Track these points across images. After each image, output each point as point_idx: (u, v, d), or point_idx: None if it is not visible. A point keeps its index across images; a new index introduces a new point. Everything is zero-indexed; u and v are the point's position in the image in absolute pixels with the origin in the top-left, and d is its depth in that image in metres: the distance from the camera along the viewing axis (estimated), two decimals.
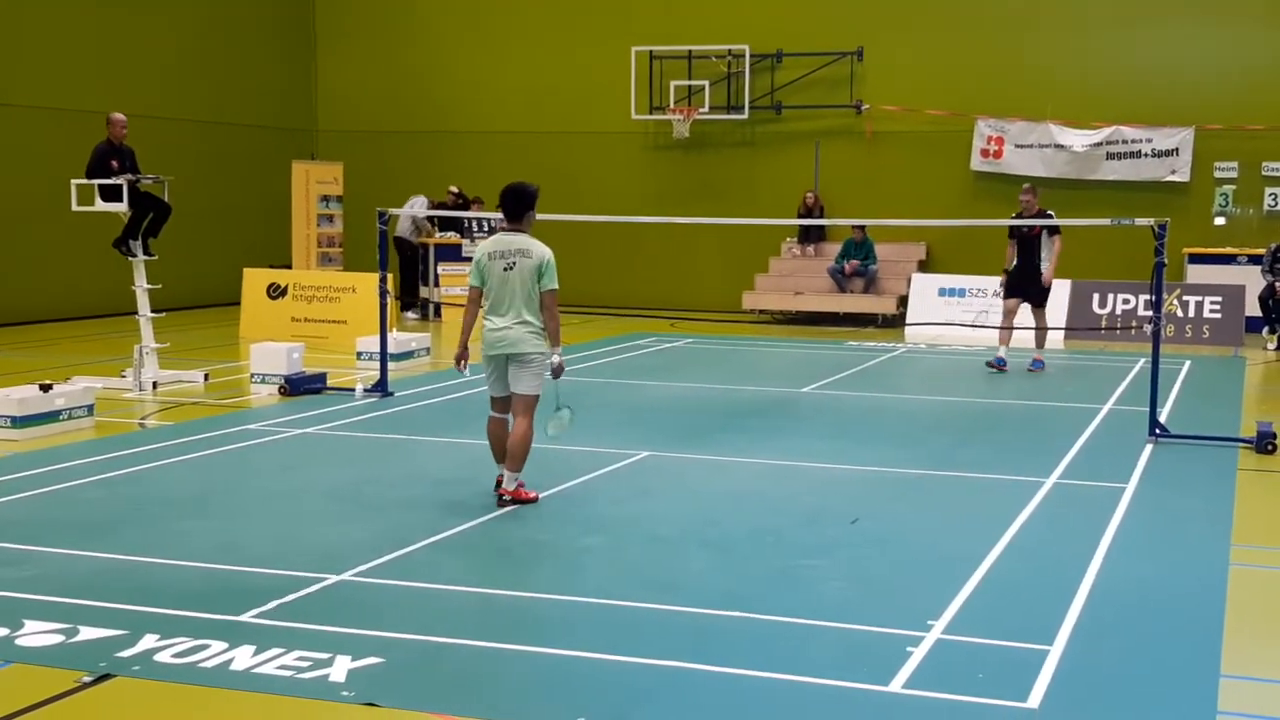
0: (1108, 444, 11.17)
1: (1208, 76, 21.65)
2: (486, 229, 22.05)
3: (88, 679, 5.58)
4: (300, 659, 5.78)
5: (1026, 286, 15.63)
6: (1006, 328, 15.72)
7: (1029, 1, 22.66)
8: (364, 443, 11.07)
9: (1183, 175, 21.65)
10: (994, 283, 20.68)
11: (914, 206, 21.54)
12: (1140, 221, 11.59)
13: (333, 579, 6.99)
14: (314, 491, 9.19)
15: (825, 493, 9.30)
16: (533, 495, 8.79)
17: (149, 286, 14.09)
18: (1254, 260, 20.10)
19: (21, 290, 20.17)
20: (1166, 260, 11.26)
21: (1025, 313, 16.12)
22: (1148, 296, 19.18)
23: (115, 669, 5.68)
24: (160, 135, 20.91)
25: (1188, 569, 7.42)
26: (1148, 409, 11.35)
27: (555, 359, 8.63)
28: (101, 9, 21.65)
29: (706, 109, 23.56)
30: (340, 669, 5.67)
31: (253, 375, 13.74)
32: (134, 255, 13.96)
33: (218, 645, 5.94)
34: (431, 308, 21.87)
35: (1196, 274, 20.84)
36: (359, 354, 15.79)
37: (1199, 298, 19.76)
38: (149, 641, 5.98)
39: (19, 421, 10.95)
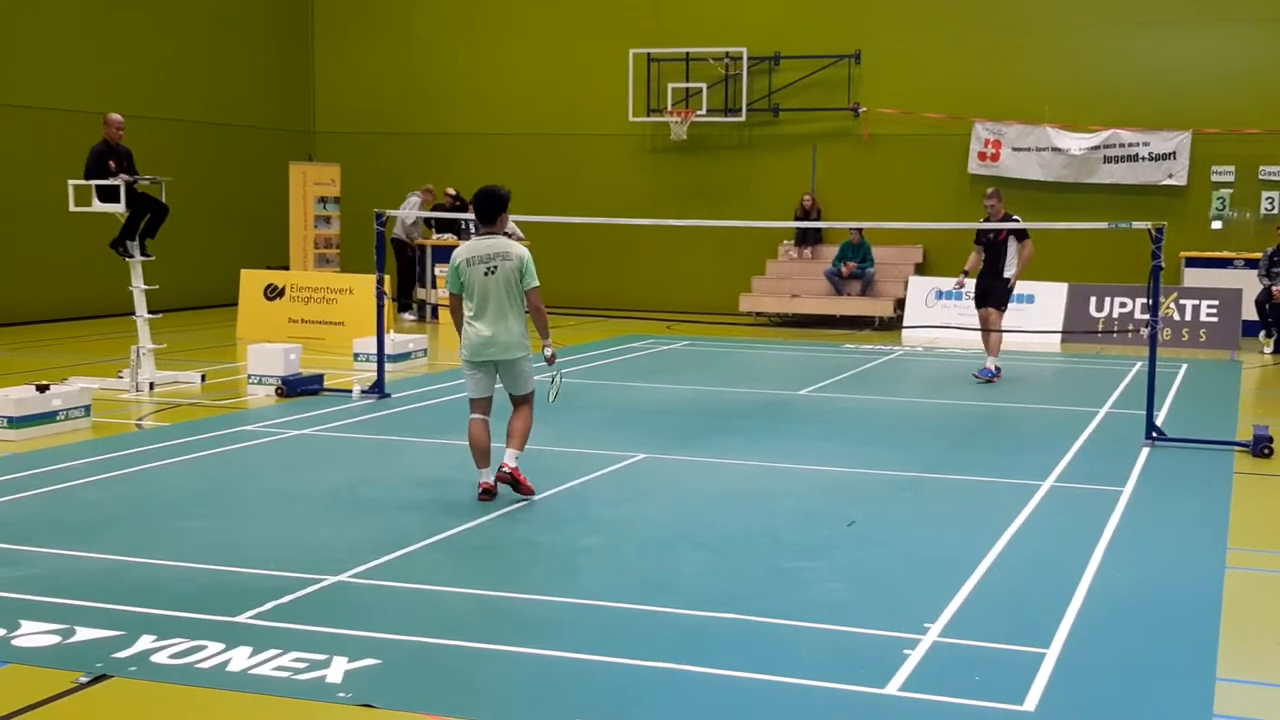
0: (1104, 447, 11.17)
1: (1205, 80, 21.67)
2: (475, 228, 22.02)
3: (84, 680, 5.58)
4: (297, 660, 5.78)
5: (989, 289, 15.17)
6: (992, 331, 15.39)
7: (1027, 5, 22.69)
8: (361, 444, 11.07)
9: (1180, 179, 21.67)
10: None
11: (911, 209, 21.54)
12: (1137, 225, 11.60)
13: (330, 580, 6.99)
14: (311, 493, 9.19)
15: (821, 495, 9.31)
16: (530, 486, 8.89)
17: (146, 287, 14.09)
18: (1251, 264, 20.12)
19: (19, 290, 20.16)
20: (1163, 264, 11.27)
21: (1012, 318, 16.13)
22: (1145, 300, 19.16)
23: (112, 670, 5.68)
24: (157, 136, 20.92)
25: (1184, 572, 7.43)
26: (1144, 412, 11.36)
27: (548, 351, 8.92)
28: (99, 9, 21.65)
29: (704, 111, 23.57)
30: (337, 670, 5.67)
31: (250, 376, 13.75)
32: (131, 256, 13.95)
33: (214, 646, 5.94)
34: (429, 309, 21.86)
35: (1193, 277, 20.86)
36: (356, 355, 15.80)
37: (1196, 301, 19.78)
38: (146, 642, 5.98)
39: (16, 422, 10.95)
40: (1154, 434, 11.22)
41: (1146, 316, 11.77)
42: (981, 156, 22.64)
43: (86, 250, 18.04)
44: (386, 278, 13.74)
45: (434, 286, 21.67)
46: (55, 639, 6.04)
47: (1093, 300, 20.41)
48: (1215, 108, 21.50)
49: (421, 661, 5.85)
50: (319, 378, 13.71)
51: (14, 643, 5.99)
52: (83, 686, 5.52)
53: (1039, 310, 20.43)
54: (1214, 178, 21.66)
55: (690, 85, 23.64)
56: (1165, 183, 21.72)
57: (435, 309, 21.56)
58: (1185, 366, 16.78)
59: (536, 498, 8.93)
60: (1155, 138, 21.70)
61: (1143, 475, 10.00)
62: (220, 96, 24.18)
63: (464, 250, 8.83)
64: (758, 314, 22.69)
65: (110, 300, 19.18)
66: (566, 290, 22.55)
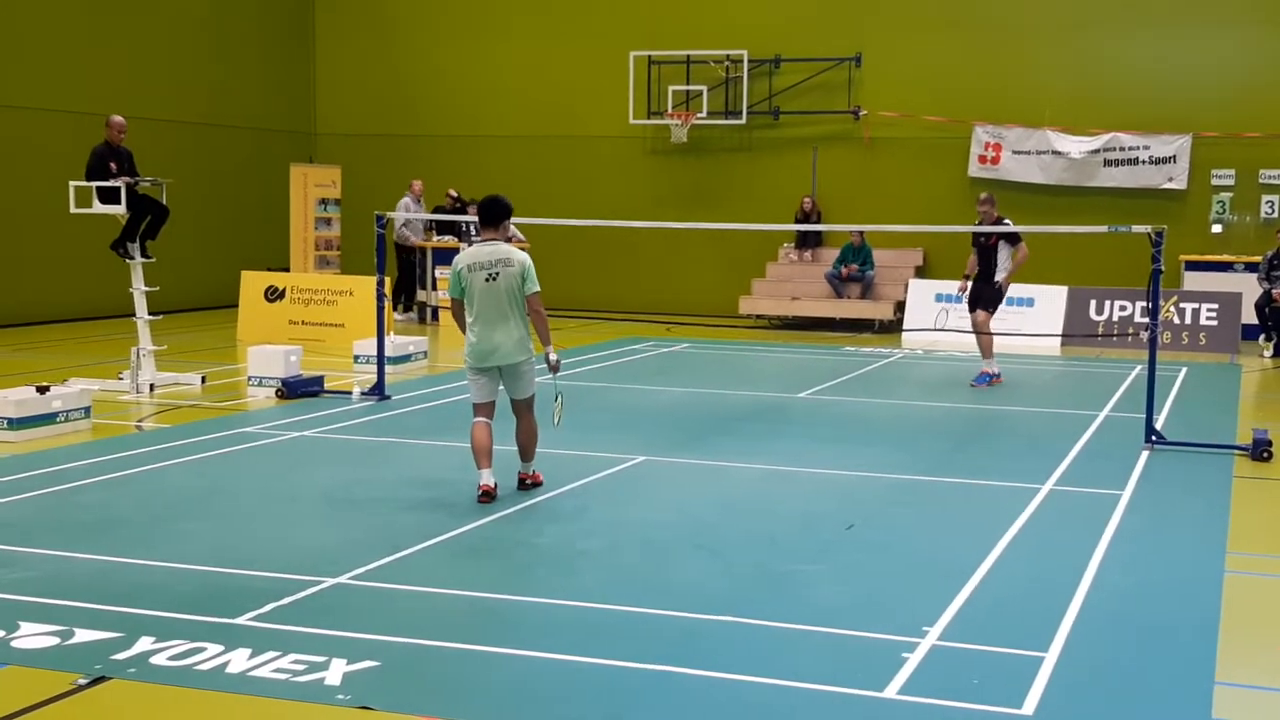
0: (1104, 450, 11.18)
1: (1205, 84, 21.68)
2: (476, 232, 22.01)
3: (83, 681, 5.58)
4: (296, 662, 5.79)
5: (980, 293, 15.05)
6: (985, 331, 15.23)
7: (1027, 8, 22.69)
8: (361, 446, 11.07)
9: (1180, 182, 21.68)
10: None
11: (911, 212, 21.57)
12: (1137, 228, 11.60)
13: (329, 582, 6.99)
14: (310, 494, 9.20)
15: (821, 498, 9.31)
16: (541, 478, 9.35)
17: (147, 289, 14.10)
18: (1250, 268, 20.12)
19: (19, 292, 20.17)
20: (1163, 267, 11.28)
21: (1012, 321, 16.09)
22: (1145, 303, 19.15)
23: (111, 671, 5.68)
24: (158, 138, 20.93)
25: (1183, 576, 7.43)
26: (1144, 416, 11.36)
27: (552, 356, 9.00)
28: (101, 11, 21.67)
29: (704, 114, 23.57)
30: (336, 672, 5.68)
31: (250, 378, 13.75)
32: (132, 257, 13.96)
33: (214, 648, 5.94)
34: (429, 311, 21.87)
35: (1193, 281, 20.86)
36: (356, 357, 15.81)
37: (1196, 305, 19.78)
38: (145, 644, 5.98)
39: (16, 423, 10.95)
40: (1153, 437, 11.22)
41: (1146, 320, 11.77)
42: (982, 160, 22.64)
43: (87, 252, 18.05)
44: (386, 279, 13.75)
45: (434, 288, 21.69)
46: (54, 640, 6.04)
47: (1093, 303, 20.41)
48: (1215, 111, 21.50)
49: (420, 663, 5.85)
50: (319, 379, 13.72)
51: (13, 644, 6.00)
52: (82, 688, 5.53)
53: (1039, 313, 20.42)
54: (1214, 181, 21.66)
55: (691, 88, 23.65)
56: (1165, 186, 21.72)
57: (435, 311, 21.57)
58: (1185, 370, 16.79)
59: (536, 499, 8.94)
60: (1155, 141, 21.71)
61: (1142, 479, 10.00)
62: (221, 98, 24.19)
63: (465, 256, 8.93)
64: (758, 316, 22.69)
65: (111, 302, 19.19)
66: (567, 292, 22.55)
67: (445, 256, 21.97)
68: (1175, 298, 19.86)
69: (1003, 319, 20.05)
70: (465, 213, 22.15)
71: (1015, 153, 22.45)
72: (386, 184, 23.77)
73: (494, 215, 9.03)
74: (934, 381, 15.43)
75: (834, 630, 6.34)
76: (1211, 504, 9.21)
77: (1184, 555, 7.88)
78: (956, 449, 11.32)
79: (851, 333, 21.42)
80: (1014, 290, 20.37)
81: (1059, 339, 19.76)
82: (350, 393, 13.36)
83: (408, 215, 21.55)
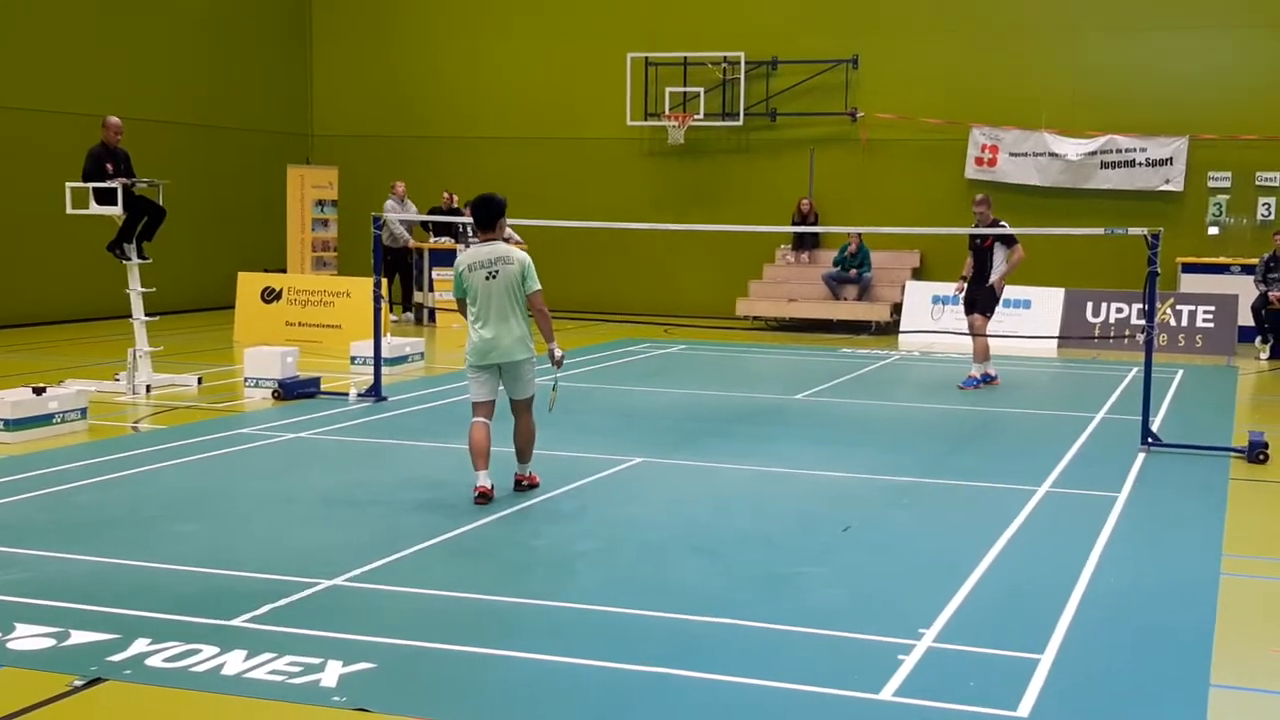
0: (1100, 453, 11.18)
1: (1202, 86, 21.71)
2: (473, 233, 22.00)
3: (79, 683, 5.58)
4: (292, 664, 5.78)
5: (975, 296, 15.00)
6: (980, 334, 15.06)
7: (1024, 10, 22.71)
8: (357, 447, 11.07)
9: (1176, 185, 21.70)
10: None
11: (908, 214, 21.60)
12: (1134, 231, 11.61)
13: (325, 584, 6.99)
14: (307, 496, 9.19)
15: (817, 500, 9.31)
16: (538, 479, 9.39)
17: (143, 290, 14.09)
18: (1247, 270, 20.13)
19: (15, 293, 20.16)
20: (1160, 269, 11.29)
21: (1008, 323, 16.07)
22: (1141, 305, 19.16)
23: (106, 673, 5.68)
24: (155, 139, 20.92)
25: (1179, 578, 7.44)
26: (1140, 418, 11.37)
27: (557, 352, 9.08)
28: (97, 12, 21.66)
29: (701, 116, 23.58)
30: (332, 674, 5.67)
31: (246, 379, 13.75)
32: (128, 259, 13.95)
33: (209, 650, 5.93)
34: (426, 313, 21.86)
35: (1190, 283, 20.86)
36: (353, 358, 15.79)
37: (1192, 307, 19.80)
38: (140, 645, 5.98)
39: (12, 424, 10.94)
40: (1150, 439, 11.23)
41: (1143, 322, 11.78)
42: (979, 162, 22.66)
43: (84, 253, 18.03)
44: (383, 280, 13.74)
45: (431, 290, 21.68)
46: (50, 642, 6.04)
47: (1089, 305, 20.42)
48: (1212, 114, 21.53)
49: (416, 665, 5.85)
50: (316, 381, 13.71)
51: (9, 645, 5.99)
52: (77, 690, 5.52)
53: (1036, 315, 20.42)
54: (1211, 183, 21.69)
55: (688, 89, 23.66)
56: (1162, 188, 21.74)
57: (432, 312, 21.56)
58: (1181, 372, 16.79)
59: (532, 501, 8.95)
60: (1152, 143, 21.73)
61: (1138, 481, 10.00)
62: (218, 99, 24.19)
63: (466, 257, 9.00)
64: (755, 318, 22.70)
65: (107, 303, 19.16)
66: (563, 294, 22.52)
67: (442, 258, 21.99)
68: (1172, 300, 19.88)
69: (1000, 320, 20.03)
70: (460, 214, 22.20)
71: (1012, 155, 22.47)
72: (384, 185, 23.71)
73: (488, 215, 9.09)
74: (931, 383, 15.43)
75: (830, 632, 6.34)
76: (1208, 506, 9.21)
77: (1180, 557, 7.89)
78: (953, 451, 11.33)
79: (848, 334, 21.42)
80: (1011, 292, 20.37)
81: (1056, 341, 19.77)
82: (347, 394, 13.36)
83: (395, 216, 21.53)
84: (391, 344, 15.61)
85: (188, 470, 9.96)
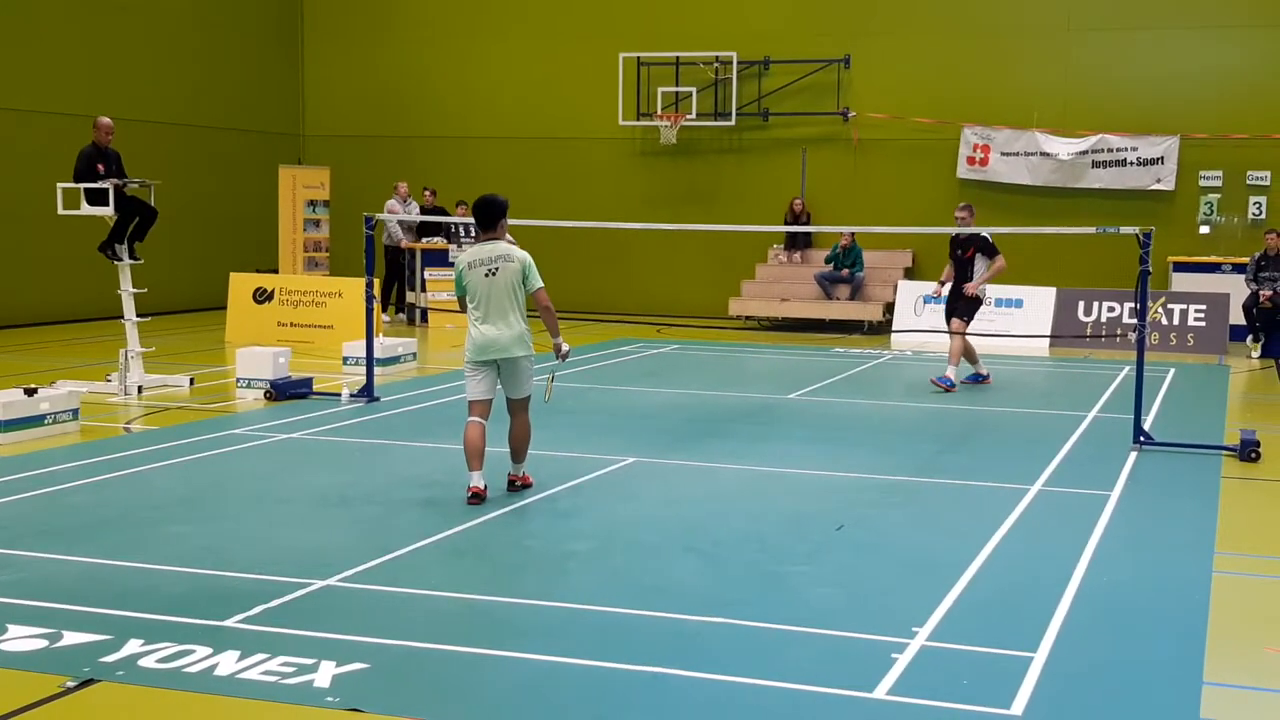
0: (1092, 451, 11.20)
1: (1193, 86, 21.75)
2: (474, 234, 22.01)
3: (71, 684, 5.56)
4: (285, 664, 5.77)
5: (956, 303, 14.90)
6: (959, 333, 14.79)
7: (1016, 10, 22.74)
8: (350, 448, 11.05)
9: (1168, 184, 21.73)
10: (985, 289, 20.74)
11: (900, 214, 21.62)
12: (1125, 230, 11.63)
13: (318, 584, 6.98)
14: (299, 496, 9.18)
15: (810, 499, 9.32)
16: (531, 480, 9.39)
17: (135, 291, 14.06)
18: (1238, 269, 20.18)
19: (6, 294, 20.12)
20: (1151, 268, 11.29)
21: (1000, 322, 16.05)
22: (1132, 304, 19.25)
23: (99, 674, 5.66)
24: (147, 139, 20.90)
25: (1171, 576, 7.45)
26: (1132, 416, 11.39)
27: (564, 346, 9.14)
28: (88, 12, 21.62)
29: (694, 115, 23.58)
30: (325, 674, 5.67)
31: (238, 380, 13.73)
32: (119, 259, 13.93)
33: (202, 650, 5.93)
34: (419, 313, 21.84)
35: (1181, 282, 20.91)
36: (345, 359, 15.78)
37: (1183, 306, 19.83)
38: (133, 646, 5.97)
39: (3, 425, 10.91)
40: (1141, 438, 11.25)
41: (1134, 321, 11.80)
42: (970, 161, 22.69)
43: (75, 253, 18.01)
44: (376, 281, 13.73)
45: (423, 290, 21.67)
46: (42, 643, 6.02)
47: (1081, 304, 20.45)
48: (1203, 113, 21.57)
49: (410, 666, 5.85)
50: (308, 381, 13.70)
51: (1, 647, 5.97)
52: (69, 691, 5.51)
53: (1027, 314, 20.47)
54: (1202, 183, 21.72)
55: (680, 89, 23.66)
56: (1153, 188, 21.77)
57: (425, 312, 21.54)
58: (1173, 371, 16.82)
59: (526, 501, 8.95)
60: (1143, 143, 21.76)
61: (1130, 479, 10.02)
62: (210, 100, 24.16)
63: (466, 255, 9.01)
64: (747, 318, 22.71)
65: (98, 304, 19.15)
66: (556, 294, 22.09)
67: (434, 258, 21.99)
68: (1163, 299, 19.91)
69: (992, 320, 20.16)
70: (442, 213, 22.24)
71: (1004, 154, 22.50)
72: (376, 186, 23.75)
73: (489, 216, 9.08)
74: (923, 383, 15.42)
75: (824, 631, 6.35)
76: (1199, 504, 9.23)
77: (1172, 556, 7.90)
78: (945, 450, 11.34)
79: (841, 334, 21.44)
80: (1003, 291, 20.49)
81: (1047, 340, 19.80)
82: (339, 394, 13.35)
83: (398, 217, 21.54)
84: (384, 344, 15.59)
85: (180, 471, 9.95)
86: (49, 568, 7.25)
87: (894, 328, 21.15)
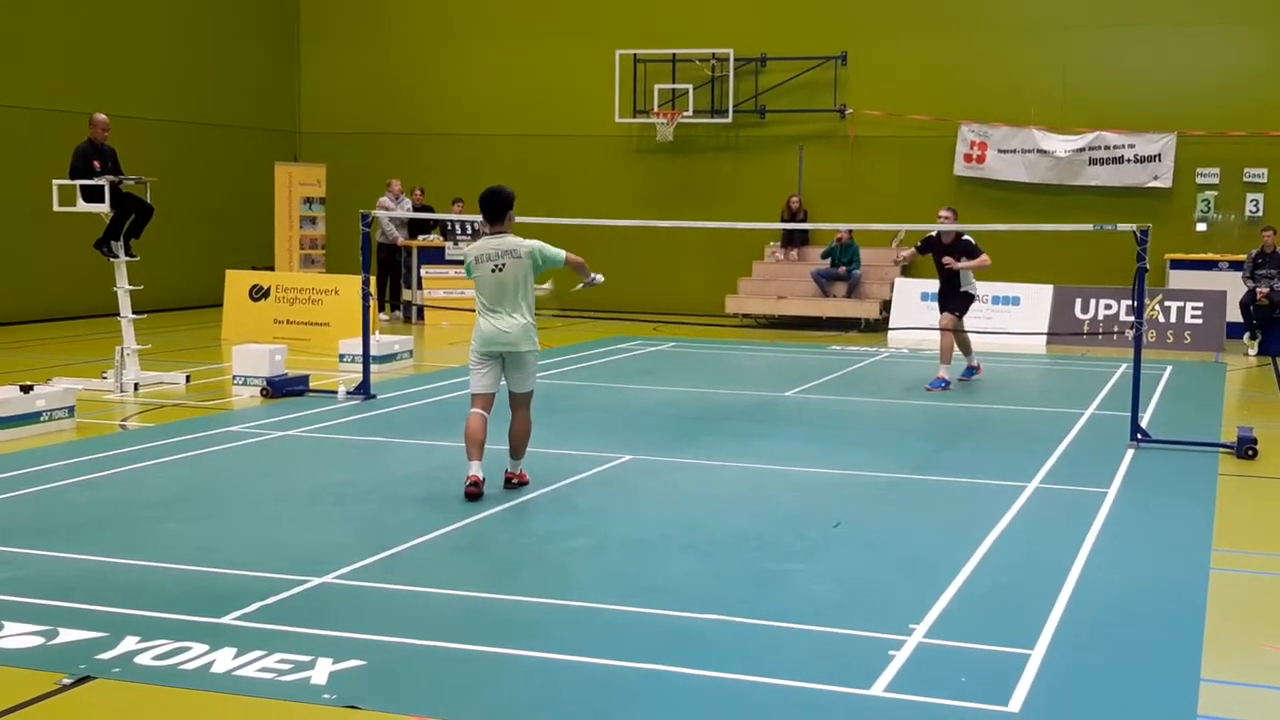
0: (1089, 449, 11.20)
1: (1190, 83, 21.76)
2: (470, 231, 22.03)
3: (68, 681, 5.55)
4: (282, 661, 5.76)
5: (948, 300, 14.82)
6: (948, 329, 14.68)
7: (1013, 7, 22.75)
8: (346, 445, 11.04)
9: (1165, 181, 21.74)
10: (979, 288, 20.69)
11: (897, 211, 21.56)
12: (1122, 227, 11.62)
13: (315, 581, 6.97)
14: (296, 494, 9.17)
15: (807, 496, 9.31)
16: (527, 477, 9.35)
17: (130, 288, 14.05)
18: (1235, 266, 20.19)
19: (2, 290, 20.09)
20: (1148, 266, 11.30)
21: (997, 320, 16.03)
22: (1130, 302, 19.25)
23: (95, 671, 5.65)
24: (142, 136, 20.87)
25: (1169, 573, 7.45)
26: (1129, 414, 11.39)
27: (599, 278, 9.79)
28: (84, 9, 21.58)
29: (690, 112, 23.58)
30: (322, 671, 5.66)
31: (235, 377, 13.70)
32: (115, 256, 13.91)
33: (199, 647, 5.92)
34: (415, 310, 21.82)
35: (1178, 279, 20.92)
36: (341, 356, 15.76)
37: (1181, 303, 19.84)
38: (129, 644, 5.96)
39: None
40: (1139, 435, 11.25)
41: (1132, 318, 11.80)
42: (967, 158, 22.69)
43: (71, 251, 17.98)
44: (373, 278, 13.72)
45: (419, 287, 21.65)
46: (38, 640, 6.01)
47: (1078, 302, 20.46)
48: (1200, 110, 21.57)
49: (407, 663, 5.84)
50: (304, 379, 13.68)
51: None
52: (66, 688, 5.50)
53: (1024, 312, 20.47)
54: (1199, 180, 21.73)
55: (677, 86, 23.65)
56: (1150, 185, 21.78)
57: (421, 310, 21.53)
58: (1170, 368, 16.83)
59: (523, 498, 8.94)
60: (1140, 140, 21.77)
61: (1127, 477, 10.02)
62: (206, 97, 24.13)
63: (474, 248, 9.08)
64: (744, 315, 22.70)
65: (95, 301, 19.12)
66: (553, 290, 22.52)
67: (430, 255, 21.97)
68: (1160, 296, 19.92)
69: (989, 317, 20.18)
70: (430, 210, 22.24)
71: (1001, 151, 22.50)
72: (372, 183, 23.72)
73: (496, 208, 9.08)
74: (920, 380, 15.41)
75: (821, 628, 6.34)
76: (1197, 501, 9.23)
77: (1170, 552, 7.90)
78: (942, 447, 11.34)
79: (837, 331, 21.43)
80: (1000, 289, 20.51)
81: (1044, 337, 19.80)
82: (335, 392, 13.33)
83: (390, 214, 21.52)
84: (380, 342, 15.57)
85: (176, 468, 9.93)
86: (45, 565, 7.24)
87: (891, 325, 21.15)
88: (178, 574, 7.11)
